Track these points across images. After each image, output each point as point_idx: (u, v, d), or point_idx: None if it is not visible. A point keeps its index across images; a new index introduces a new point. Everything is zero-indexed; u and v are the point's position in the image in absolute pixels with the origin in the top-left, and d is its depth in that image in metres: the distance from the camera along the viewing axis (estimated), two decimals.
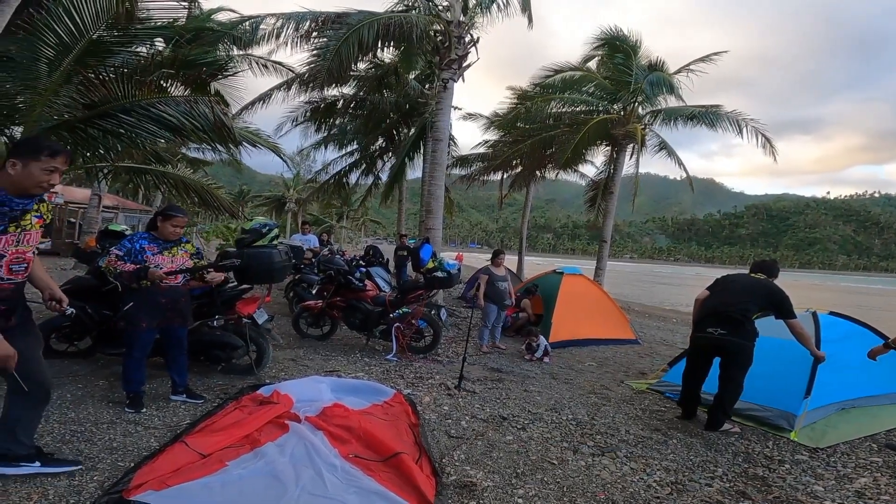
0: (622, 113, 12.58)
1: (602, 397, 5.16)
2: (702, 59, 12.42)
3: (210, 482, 2.53)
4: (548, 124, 13.56)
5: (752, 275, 4.54)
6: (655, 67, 12.22)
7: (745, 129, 12.01)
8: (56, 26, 4.63)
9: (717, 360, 4.29)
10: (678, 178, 14.66)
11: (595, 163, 16.37)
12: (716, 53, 12.29)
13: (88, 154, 5.22)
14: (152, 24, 5.30)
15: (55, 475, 2.53)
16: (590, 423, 4.26)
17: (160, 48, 5.54)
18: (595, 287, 9.24)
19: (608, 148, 14.02)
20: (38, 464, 2.47)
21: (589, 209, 16.67)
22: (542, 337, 6.80)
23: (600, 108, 12.87)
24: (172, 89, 5.45)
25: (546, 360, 6.65)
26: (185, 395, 3.88)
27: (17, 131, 5.07)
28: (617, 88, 12.26)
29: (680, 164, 14.08)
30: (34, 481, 2.46)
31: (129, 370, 3.59)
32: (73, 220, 18.69)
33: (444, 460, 3.23)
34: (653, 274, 73.00)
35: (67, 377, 4.12)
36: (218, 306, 4.39)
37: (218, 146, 5.34)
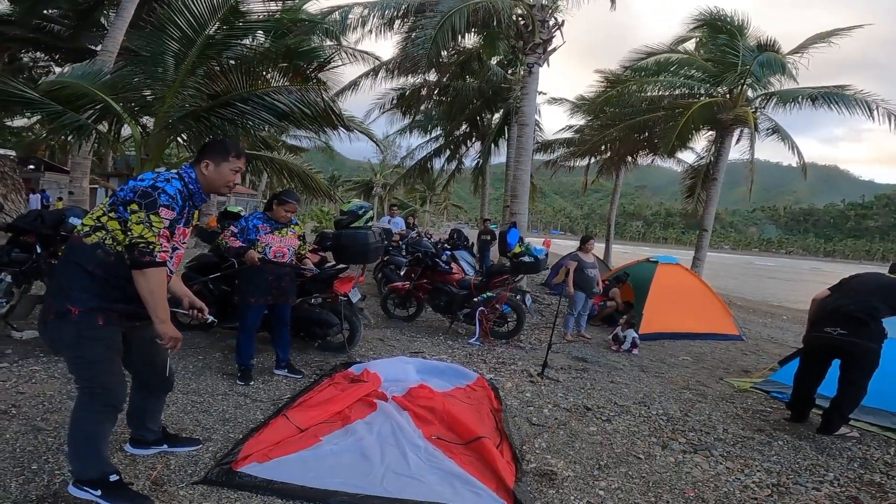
0: (728, 96, 11.65)
1: (697, 393, 4.86)
2: (830, 34, 11.00)
3: (305, 456, 2.73)
4: (641, 108, 12.86)
5: (890, 274, 4.04)
6: (766, 48, 11.18)
7: (876, 112, 10.57)
8: (178, 20, 5.12)
9: (836, 362, 3.89)
10: (793, 165, 13.25)
11: (695, 149, 15.33)
12: (850, 28, 10.83)
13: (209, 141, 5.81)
14: (255, 16, 5.69)
15: None
16: (682, 420, 4.05)
17: (261, 40, 5.93)
18: (694, 278, 8.67)
19: (710, 133, 13.16)
20: (165, 446, 2.72)
21: (687, 197, 15.63)
22: (630, 329, 6.52)
23: (702, 92, 12.02)
24: (274, 79, 5.85)
25: (635, 351, 6.37)
26: (286, 370, 4.21)
27: (150, 121, 5.73)
28: (721, 70, 11.39)
29: (794, 149, 12.76)
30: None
31: (241, 343, 3.97)
32: None
33: (524, 447, 3.23)
34: (756, 266, 66.60)
35: (190, 348, 4.62)
36: (318, 285, 4.69)
37: (323, 130, 5.69)
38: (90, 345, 2.08)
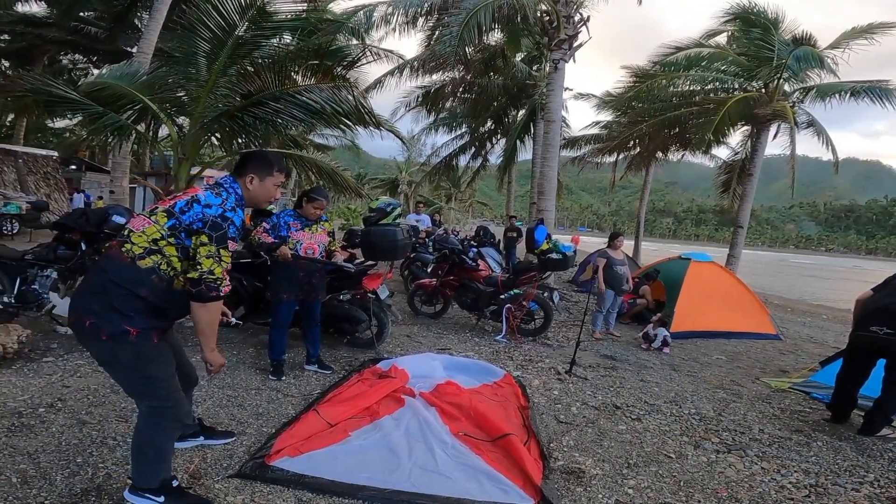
0: (763, 91, 11.41)
1: (732, 393, 4.74)
2: (867, 30, 10.63)
3: (335, 451, 2.78)
4: (671, 103, 12.72)
5: None
6: (802, 42, 10.93)
7: None
8: (208, 21, 5.21)
9: (880, 362, 3.75)
10: (833, 160, 12.87)
11: (729, 144, 15.01)
12: (891, 25, 10.44)
13: (242, 140, 5.94)
14: (283, 16, 5.76)
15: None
16: (715, 419, 3.96)
17: (288, 40, 5.98)
18: (729, 275, 8.46)
19: (745, 128, 12.92)
20: (202, 438, 2.76)
21: (722, 193, 15.42)
22: (661, 328, 6.39)
23: (735, 86, 11.85)
24: (306, 78, 5.93)
25: (666, 350, 6.24)
26: (316, 366, 4.29)
27: (185, 121, 5.88)
28: (755, 65, 11.15)
29: (828, 144, 12.45)
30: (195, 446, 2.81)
31: (273, 339, 4.07)
32: None
33: (552, 445, 3.21)
34: (793, 264, 64.16)
35: (224, 344, 4.73)
36: (347, 281, 4.74)
37: (351, 128, 5.73)
38: (153, 365, 2.05)
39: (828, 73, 11.10)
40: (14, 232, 11.18)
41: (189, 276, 2.00)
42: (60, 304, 4.33)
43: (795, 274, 41.36)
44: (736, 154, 14.84)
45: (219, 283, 2.02)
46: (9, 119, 22.54)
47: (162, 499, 2.13)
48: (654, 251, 29.44)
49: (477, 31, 8.47)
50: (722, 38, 12.82)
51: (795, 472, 3.12)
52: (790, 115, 10.53)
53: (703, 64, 11.92)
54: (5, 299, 4.29)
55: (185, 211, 2.02)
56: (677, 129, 13.52)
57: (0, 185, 12.72)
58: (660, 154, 16.62)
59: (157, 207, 2.11)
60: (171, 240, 2.00)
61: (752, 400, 4.56)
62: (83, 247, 4.55)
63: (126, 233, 2.06)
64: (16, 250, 4.64)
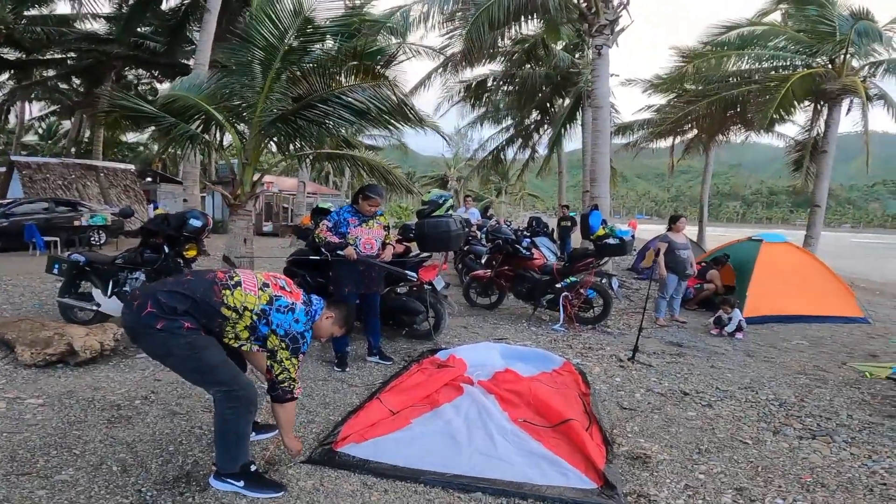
0: (830, 66, 10.82)
1: (816, 379, 4.44)
2: None
3: (398, 437, 2.86)
4: (728, 83, 12.21)
5: None
6: (860, 17, 10.34)
7: None
8: (262, 31, 5.44)
9: None
10: None
11: (797, 122, 14.15)
12: None
13: (298, 143, 6.17)
14: (326, 22, 5.90)
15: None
16: (797, 405, 3.74)
17: (330, 44, 6.14)
18: (808, 256, 7.93)
19: (810, 105, 12.41)
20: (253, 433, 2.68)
21: (793, 172, 14.63)
22: (736, 310, 6.05)
23: (797, 63, 11.28)
24: (350, 79, 6.07)
25: (739, 335, 5.92)
26: (378, 357, 4.41)
27: (245, 129, 6.17)
28: (816, 40, 10.62)
29: None
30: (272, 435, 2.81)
31: None
32: (286, 205, 22.55)
33: (615, 431, 3.15)
34: (878, 245, 58.32)
35: None
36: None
37: (397, 126, 5.80)
38: (205, 352, 2.21)
39: (885, 48, 10.59)
40: (102, 242, 12.12)
41: (270, 369, 2.34)
42: (105, 303, 4.54)
43: (882, 255, 37.72)
44: (807, 131, 13.93)
45: (292, 385, 2.36)
46: (86, 135, 24.41)
47: (242, 483, 2.26)
48: (721, 237, 27.81)
49: (488, 27, 8.43)
50: (776, 17, 12.35)
51: (888, 457, 2.90)
52: (861, 90, 10.02)
53: (757, 42, 11.41)
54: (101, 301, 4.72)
55: (282, 311, 2.32)
56: (737, 109, 12.97)
57: (85, 199, 13.76)
58: (720, 136, 15.89)
59: (268, 285, 2.39)
60: (255, 317, 2.28)
61: (838, 385, 4.26)
62: (167, 250, 4.91)
63: (235, 281, 2.32)
64: (107, 256, 5.09)
